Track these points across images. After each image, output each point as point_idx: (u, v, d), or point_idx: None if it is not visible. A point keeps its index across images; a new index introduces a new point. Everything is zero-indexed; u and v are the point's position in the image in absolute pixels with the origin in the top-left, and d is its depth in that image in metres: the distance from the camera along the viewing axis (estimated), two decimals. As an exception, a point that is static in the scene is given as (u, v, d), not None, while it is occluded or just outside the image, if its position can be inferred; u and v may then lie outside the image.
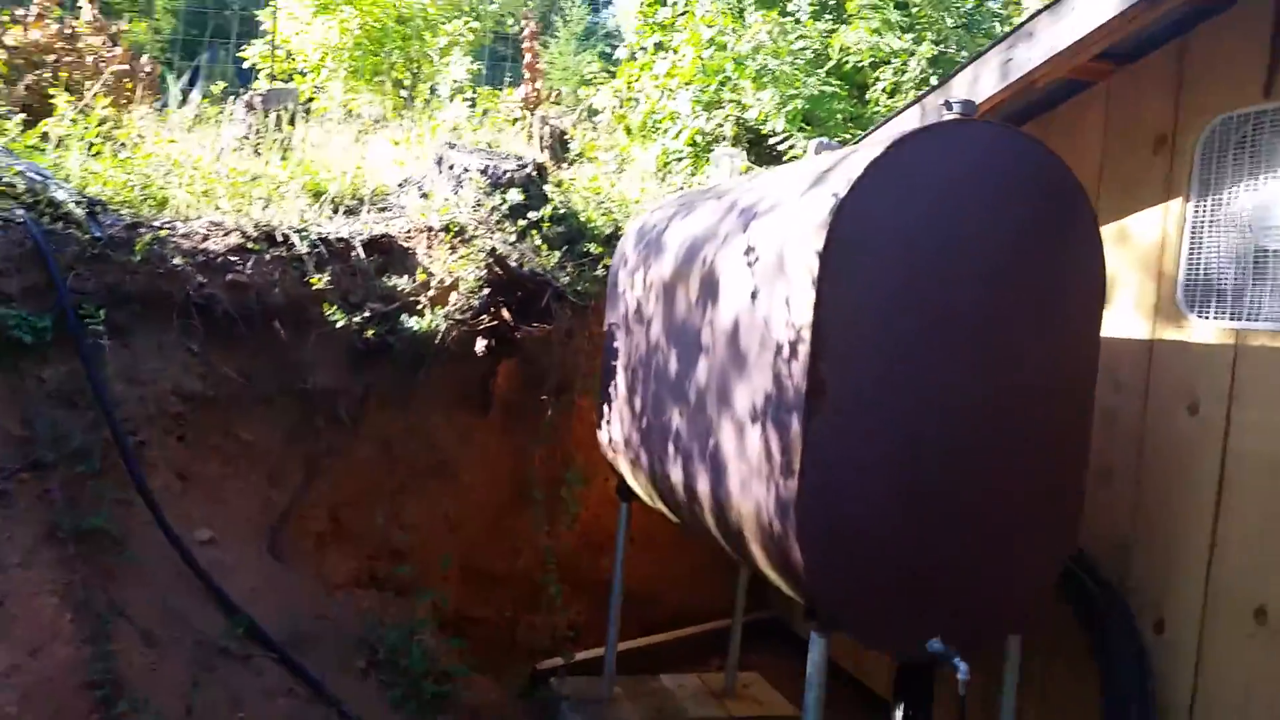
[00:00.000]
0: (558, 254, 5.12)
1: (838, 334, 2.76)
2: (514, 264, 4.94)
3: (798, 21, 6.67)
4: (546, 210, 5.26)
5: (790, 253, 2.91)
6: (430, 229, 5.35)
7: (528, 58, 10.09)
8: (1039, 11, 3.40)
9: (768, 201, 3.28)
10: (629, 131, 8.41)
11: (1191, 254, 3.31)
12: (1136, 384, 3.47)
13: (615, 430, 4.47)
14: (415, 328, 4.68)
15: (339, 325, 4.53)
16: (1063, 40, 3.28)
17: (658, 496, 4.12)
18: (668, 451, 3.77)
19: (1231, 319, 3.14)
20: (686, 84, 7.24)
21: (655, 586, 5.72)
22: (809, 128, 6.31)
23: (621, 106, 8.72)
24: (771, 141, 6.45)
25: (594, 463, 5.43)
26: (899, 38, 6.31)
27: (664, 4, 8.41)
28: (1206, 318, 3.23)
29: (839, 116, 6.27)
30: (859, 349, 2.80)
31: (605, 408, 4.62)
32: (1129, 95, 3.62)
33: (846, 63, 6.65)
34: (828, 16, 7.06)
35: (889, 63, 6.47)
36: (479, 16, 11.38)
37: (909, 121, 4.18)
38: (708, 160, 7.09)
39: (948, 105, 3.02)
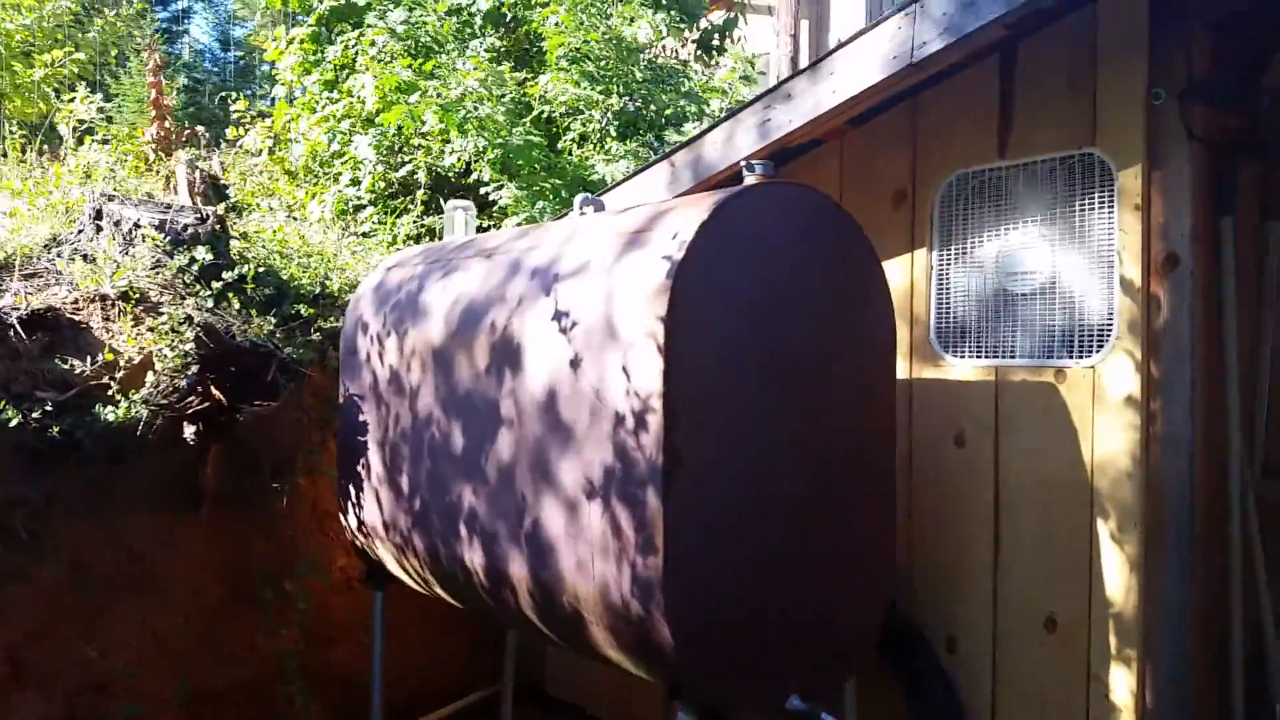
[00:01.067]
0: (272, 319, 4.54)
1: (689, 400, 2.69)
2: (226, 334, 4.30)
3: (499, 69, 6.56)
4: (249, 269, 4.64)
5: (623, 318, 2.79)
6: (104, 297, 4.52)
7: (153, 93, 9.01)
8: (799, 72, 3.58)
9: (570, 263, 3.13)
10: (290, 176, 7.75)
11: (940, 300, 3.65)
12: (899, 421, 3.74)
13: (370, 513, 4.04)
14: (110, 419, 3.91)
15: (11, 424, 3.66)
16: (825, 103, 3.47)
17: (438, 582, 3.77)
18: (459, 533, 3.47)
19: (989, 357, 3.49)
20: (363, 128, 6.81)
21: (396, 671, 5.25)
22: (506, 176, 6.20)
23: (278, 148, 8.00)
24: (483, 191, 6.26)
25: (322, 549, 4.89)
26: (592, 90, 6.42)
27: (330, 42, 7.84)
28: (963, 357, 3.57)
29: (536, 165, 6.24)
30: (709, 413, 2.75)
31: (352, 489, 4.16)
32: (864, 151, 3.92)
33: (542, 112, 6.64)
34: (509, 63, 7.01)
35: (581, 113, 6.56)
36: (79, 46, 9.88)
37: (658, 177, 4.22)
38: (396, 209, 6.71)
39: (749, 167, 3.08)
